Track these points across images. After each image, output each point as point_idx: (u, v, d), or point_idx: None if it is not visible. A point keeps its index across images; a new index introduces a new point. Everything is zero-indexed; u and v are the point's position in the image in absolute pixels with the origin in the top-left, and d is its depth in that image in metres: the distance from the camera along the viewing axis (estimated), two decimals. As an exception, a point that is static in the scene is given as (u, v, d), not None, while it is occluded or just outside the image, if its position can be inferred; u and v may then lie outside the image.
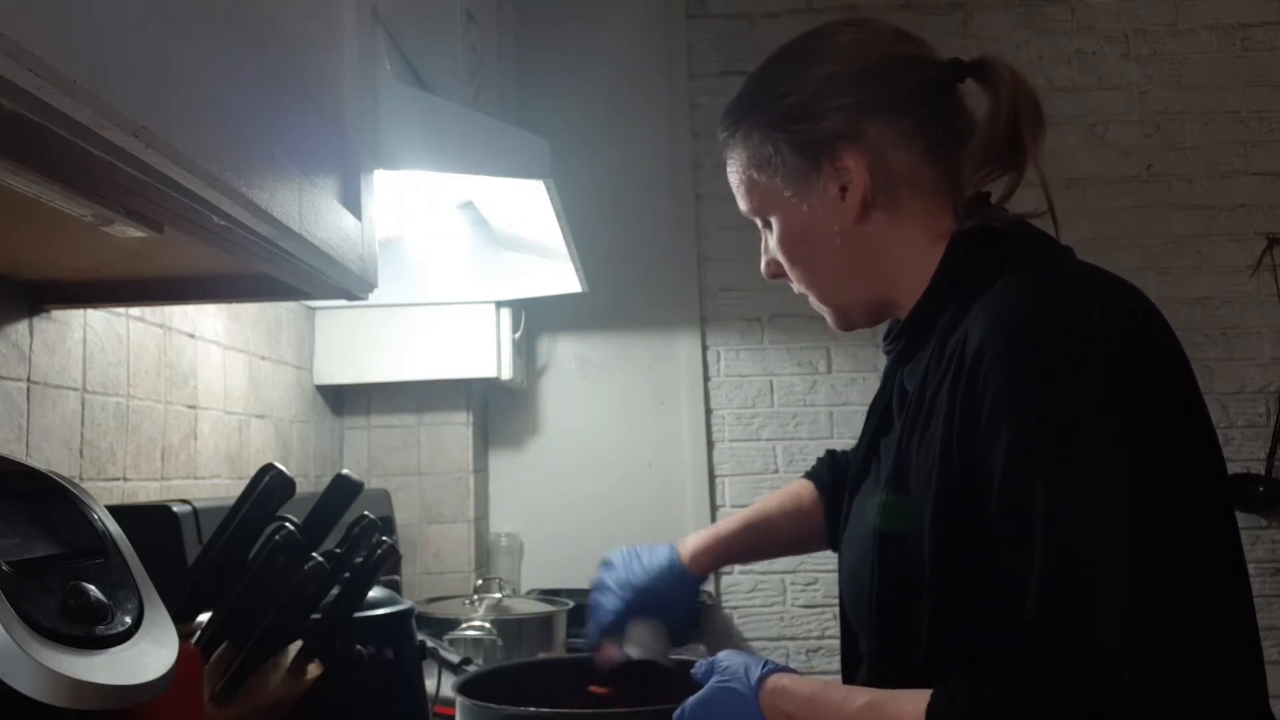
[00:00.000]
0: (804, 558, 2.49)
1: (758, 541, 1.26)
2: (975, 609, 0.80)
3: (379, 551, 1.02)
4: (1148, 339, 0.79)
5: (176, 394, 1.42)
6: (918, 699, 0.77)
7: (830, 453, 1.29)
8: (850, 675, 1.00)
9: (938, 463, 0.82)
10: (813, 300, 1.03)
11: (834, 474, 1.24)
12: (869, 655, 0.91)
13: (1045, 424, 0.75)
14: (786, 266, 1.00)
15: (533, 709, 0.99)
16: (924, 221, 0.94)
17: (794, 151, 0.95)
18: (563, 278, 1.98)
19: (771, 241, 1.01)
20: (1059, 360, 0.76)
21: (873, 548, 0.89)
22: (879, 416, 1.02)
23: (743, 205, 1.03)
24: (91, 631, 0.62)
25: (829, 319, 1.03)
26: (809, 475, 1.28)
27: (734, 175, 1.02)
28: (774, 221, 0.99)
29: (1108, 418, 0.75)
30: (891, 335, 0.99)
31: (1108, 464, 0.74)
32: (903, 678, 0.83)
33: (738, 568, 2.51)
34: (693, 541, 1.23)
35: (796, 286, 1.03)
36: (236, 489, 0.91)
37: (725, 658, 0.95)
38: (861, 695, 0.83)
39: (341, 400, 2.20)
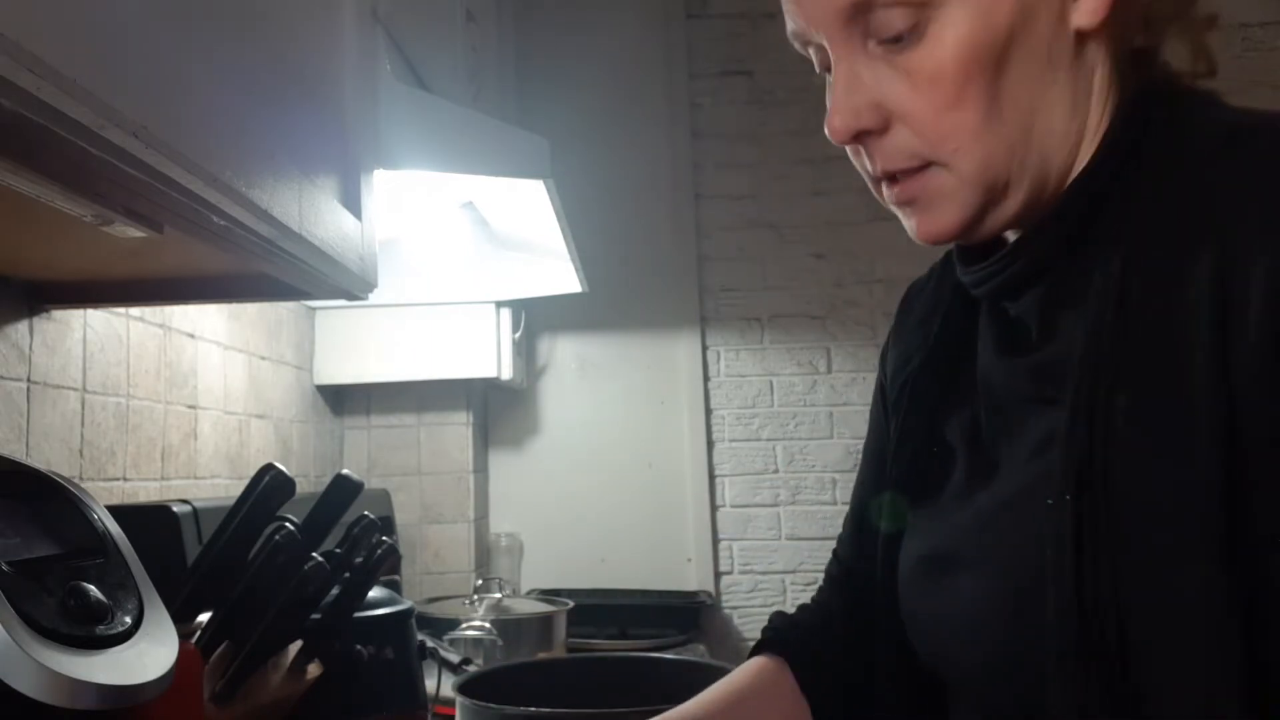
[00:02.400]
0: (803, 557, 2.49)
1: None
2: None
3: (379, 551, 1.02)
4: None
5: (176, 394, 1.42)
6: None
7: (779, 614, 0.97)
8: None
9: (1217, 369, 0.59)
10: (916, 186, 0.71)
11: (799, 633, 0.93)
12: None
13: None
14: (944, 86, 0.67)
15: (533, 709, 0.99)
16: (1105, 75, 0.71)
17: None
18: (563, 278, 1.98)
19: (933, 44, 0.67)
20: None
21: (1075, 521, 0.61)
22: (935, 398, 0.81)
23: None
24: (91, 631, 0.62)
25: (932, 215, 0.71)
26: (762, 648, 0.93)
27: None
28: (959, 9, 0.67)
29: None
30: (998, 254, 0.73)
31: None
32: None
33: (737, 568, 2.51)
34: None
35: (880, 165, 0.71)
36: (236, 489, 0.91)
37: None
38: None
39: (341, 400, 2.20)
